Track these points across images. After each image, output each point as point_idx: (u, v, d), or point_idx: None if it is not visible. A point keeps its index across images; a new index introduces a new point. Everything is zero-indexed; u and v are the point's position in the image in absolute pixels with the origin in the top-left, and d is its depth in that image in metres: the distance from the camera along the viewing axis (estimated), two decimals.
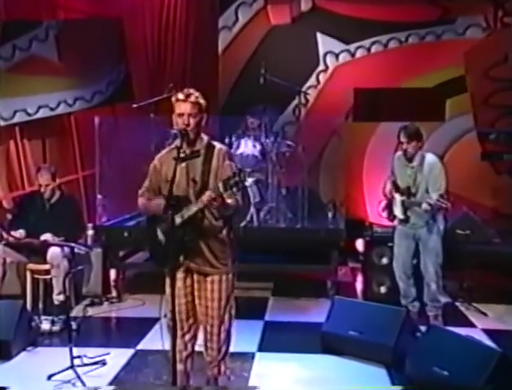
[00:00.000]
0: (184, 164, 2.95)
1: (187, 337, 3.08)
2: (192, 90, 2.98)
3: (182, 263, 2.99)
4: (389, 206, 4.41)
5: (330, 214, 5.78)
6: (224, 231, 3.04)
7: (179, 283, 3.00)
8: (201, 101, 2.98)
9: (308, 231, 5.36)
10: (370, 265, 5.20)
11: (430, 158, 4.26)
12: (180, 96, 2.94)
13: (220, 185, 2.73)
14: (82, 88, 6.34)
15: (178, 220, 2.88)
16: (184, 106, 2.92)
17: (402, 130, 4.24)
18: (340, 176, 5.85)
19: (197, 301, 3.08)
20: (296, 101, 6.00)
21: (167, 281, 3.03)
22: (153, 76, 6.92)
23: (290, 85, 5.65)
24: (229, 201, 2.87)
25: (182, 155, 2.94)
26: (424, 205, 4.06)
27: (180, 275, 3.01)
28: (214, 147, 3.01)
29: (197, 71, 6.85)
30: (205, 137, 3.04)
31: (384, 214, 4.47)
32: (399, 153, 4.37)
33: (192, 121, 2.92)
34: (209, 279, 3.03)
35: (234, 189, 2.73)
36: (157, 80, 6.77)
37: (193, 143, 2.98)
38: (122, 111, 6.47)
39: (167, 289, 3.02)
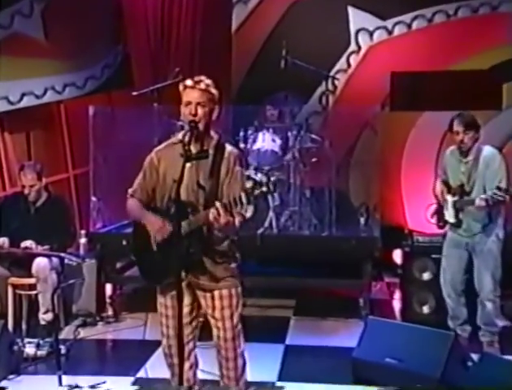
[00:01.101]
0: (189, 164, 2.95)
1: (187, 365, 3.09)
2: (203, 77, 2.99)
3: (183, 278, 2.99)
4: (440, 211, 4.36)
5: (362, 220, 5.76)
6: (227, 241, 3.08)
7: (175, 302, 2.97)
8: (213, 90, 2.98)
9: (336, 239, 5.36)
10: (411, 280, 5.15)
11: (487, 150, 4.17)
12: (188, 82, 2.95)
13: (243, 196, 2.76)
14: (73, 72, 6.40)
15: (184, 229, 2.90)
16: (192, 93, 2.93)
17: (457, 118, 4.17)
18: (374, 176, 5.82)
19: (211, 323, 3.11)
20: (322, 88, 5.99)
21: (161, 300, 3.07)
22: (156, 59, 6.95)
23: (316, 69, 5.65)
24: (237, 220, 2.90)
25: (188, 154, 2.92)
26: (478, 201, 3.99)
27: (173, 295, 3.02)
28: (224, 149, 3.03)
29: (208, 52, 6.87)
30: (215, 136, 3.05)
31: (434, 220, 4.42)
32: (452, 147, 4.31)
33: (200, 111, 2.92)
34: (216, 294, 3.06)
35: (240, 207, 2.78)
36: (160, 63, 6.81)
37: (200, 140, 2.98)
38: (120, 100, 6.52)
39: (160, 309, 3.07)
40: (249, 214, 2.99)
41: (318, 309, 5.35)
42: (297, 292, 5.68)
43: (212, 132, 3.04)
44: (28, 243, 4.74)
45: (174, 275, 2.83)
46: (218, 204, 2.79)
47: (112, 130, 5.82)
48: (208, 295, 3.06)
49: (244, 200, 2.76)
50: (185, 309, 3.05)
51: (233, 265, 3.09)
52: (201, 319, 3.20)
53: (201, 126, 2.95)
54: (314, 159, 5.74)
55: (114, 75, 6.79)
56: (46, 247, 4.77)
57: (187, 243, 2.89)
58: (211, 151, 2.99)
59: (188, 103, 2.94)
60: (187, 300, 3.06)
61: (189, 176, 2.97)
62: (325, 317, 5.22)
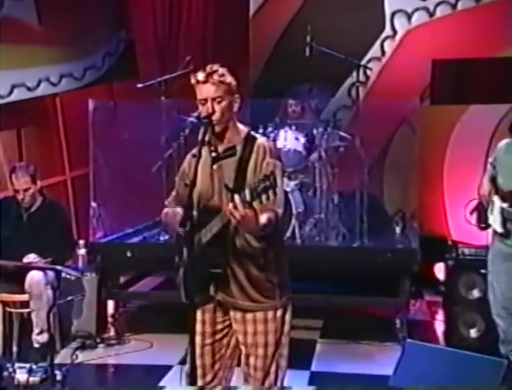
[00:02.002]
0: (215, 166, 2.94)
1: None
2: (215, 66, 2.94)
3: (213, 295, 2.97)
4: (482, 210, 4.28)
5: (398, 230, 5.75)
6: (270, 254, 2.98)
7: (205, 317, 3.01)
8: (229, 79, 2.93)
9: (368, 251, 5.35)
10: (455, 298, 5.11)
11: None
12: (200, 76, 2.90)
13: (247, 192, 2.65)
14: (70, 61, 6.48)
15: (204, 237, 2.88)
16: (206, 88, 2.88)
17: None
18: (412, 179, 5.81)
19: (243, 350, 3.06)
20: (352, 79, 5.99)
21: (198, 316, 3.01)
22: (163, 46, 7.01)
23: (345, 58, 5.65)
24: (265, 216, 2.79)
25: (214, 154, 2.94)
26: None
27: (207, 308, 3.02)
28: (254, 141, 2.97)
29: (222, 39, 6.91)
30: (243, 128, 3.02)
31: (473, 219, 4.35)
32: (507, 140, 4.21)
33: (217, 107, 2.89)
34: (249, 317, 3.00)
35: (263, 197, 2.63)
36: (169, 51, 6.87)
37: (224, 136, 2.96)
38: (123, 93, 6.59)
39: (197, 326, 2.99)
40: (278, 210, 2.85)
41: (349, 331, 5.34)
42: (323, 312, 5.68)
43: (240, 126, 3.01)
44: (31, 257, 4.77)
45: (200, 292, 2.84)
46: (236, 196, 2.70)
47: (115, 127, 5.88)
48: (239, 315, 3.01)
49: (247, 195, 2.65)
50: (217, 327, 3.04)
51: (274, 282, 2.99)
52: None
53: (220, 123, 2.93)
54: (341, 149, 5.72)
55: (117, 65, 6.86)
56: (44, 260, 4.81)
57: (209, 252, 2.87)
58: (239, 147, 2.96)
59: (204, 101, 2.90)
60: (219, 316, 3.04)
61: (217, 179, 2.96)
62: (356, 340, 5.20)
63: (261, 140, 3.00)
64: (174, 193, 3.19)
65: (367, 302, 5.49)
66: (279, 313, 3.03)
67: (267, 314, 3.00)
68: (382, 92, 6.92)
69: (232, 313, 3.03)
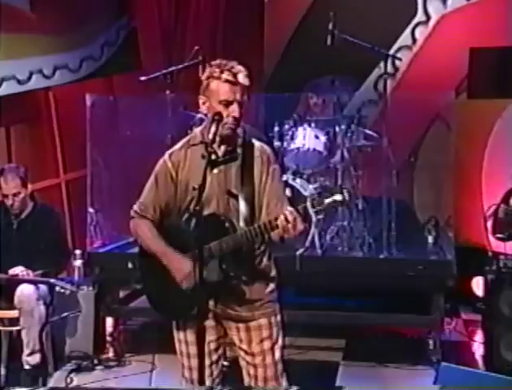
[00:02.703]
0: (216, 170, 3.00)
1: None
2: (238, 66, 3.01)
3: (210, 309, 3.04)
4: (506, 218, 4.27)
5: (431, 239, 5.73)
6: (265, 258, 3.12)
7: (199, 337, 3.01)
8: (248, 81, 3.03)
9: (397, 264, 5.35)
10: (497, 317, 5.08)
11: None
12: (226, 74, 2.97)
13: (308, 204, 2.80)
14: (65, 51, 6.51)
15: (220, 250, 2.95)
16: (234, 89, 2.97)
17: None
18: (447, 182, 5.81)
19: (242, 364, 3.14)
20: (379, 71, 5.99)
21: (180, 336, 3.10)
22: (169, 35, 7.03)
23: (371, 47, 5.65)
24: (301, 227, 2.93)
25: (213, 157, 2.96)
26: None
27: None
28: (253, 146, 3.09)
29: (233, 27, 6.92)
30: (239, 131, 3.09)
31: (489, 226, 4.34)
32: None
33: (242, 112, 3.00)
34: (253, 325, 3.10)
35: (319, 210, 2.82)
36: (175, 40, 6.89)
37: (227, 139, 3.03)
38: (124, 86, 6.63)
39: (180, 348, 3.10)
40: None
41: (375, 353, 5.32)
42: (346, 331, 5.67)
43: (238, 129, 3.08)
44: (17, 270, 4.80)
45: (199, 305, 2.86)
46: (289, 209, 2.87)
47: (115, 124, 5.93)
48: (242, 326, 3.10)
49: (310, 210, 2.81)
50: (212, 346, 3.10)
51: (272, 286, 3.14)
52: (225, 363, 3.23)
53: (239, 126, 3.04)
54: (366, 149, 5.73)
55: (117, 56, 6.88)
56: (36, 272, 4.84)
57: (225, 266, 2.96)
58: (239, 151, 3.05)
59: (228, 103, 2.97)
60: (213, 334, 3.11)
61: (217, 185, 3.02)
62: (383, 363, 5.19)
63: (259, 144, 3.14)
64: (148, 199, 3.14)
65: (396, 320, 5.47)
66: (279, 317, 3.18)
67: (271, 318, 3.14)
68: (413, 85, 6.90)
69: (232, 324, 3.12)
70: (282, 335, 3.19)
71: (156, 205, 3.12)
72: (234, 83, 2.97)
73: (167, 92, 5.57)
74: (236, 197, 3.01)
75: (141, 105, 5.78)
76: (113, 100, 6.20)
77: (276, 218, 2.88)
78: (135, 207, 3.19)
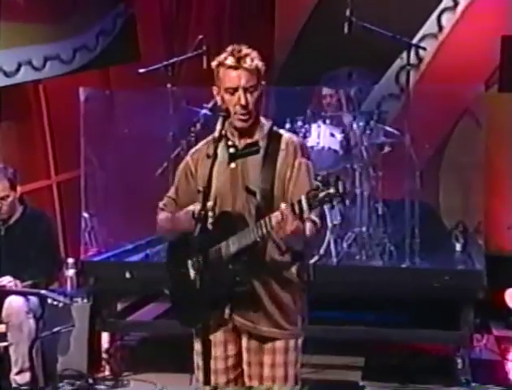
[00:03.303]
0: (233, 164, 3.02)
1: None
2: (245, 48, 3.02)
3: (227, 319, 3.04)
4: None
5: (458, 247, 5.76)
6: (293, 270, 3.08)
7: (216, 352, 3.05)
8: (261, 63, 3.03)
9: (422, 274, 5.36)
10: None
11: None
12: (230, 60, 2.99)
13: (303, 200, 2.76)
14: (57, 41, 6.52)
15: (227, 250, 2.95)
16: (237, 75, 2.97)
17: None
18: (476, 183, 5.82)
19: (246, 380, 3.13)
20: (401, 62, 6.00)
21: (198, 348, 3.04)
22: (170, 23, 7.06)
23: (392, 35, 5.66)
24: (308, 226, 2.92)
25: (232, 150, 2.99)
26: None
27: (218, 337, 3.05)
28: (280, 137, 3.08)
29: (241, 14, 6.95)
30: (265, 122, 3.11)
31: None
32: None
33: (251, 99, 2.98)
34: (268, 346, 3.07)
35: (323, 207, 2.80)
36: (177, 28, 6.91)
37: (247, 131, 3.05)
38: (121, 79, 6.66)
39: (198, 362, 3.05)
40: (318, 222, 2.97)
41: (397, 372, 5.33)
42: (366, 348, 5.68)
43: (262, 119, 3.10)
44: (5, 280, 4.83)
45: (217, 314, 2.91)
46: (283, 205, 2.82)
47: (111, 121, 5.97)
48: (256, 344, 3.07)
49: (304, 205, 2.77)
50: (230, 361, 3.10)
51: (297, 305, 3.10)
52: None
53: (253, 117, 3.01)
54: (386, 148, 5.76)
55: (114, 46, 6.89)
56: (25, 283, 4.87)
57: (232, 268, 2.95)
58: (262, 143, 3.05)
59: (233, 90, 2.98)
60: (232, 349, 3.10)
61: (234, 180, 3.03)
62: (406, 383, 5.19)
63: (288, 135, 3.13)
64: (172, 196, 3.22)
65: (420, 336, 5.47)
66: (299, 342, 3.12)
67: (289, 342, 3.08)
68: (438, 77, 6.92)
69: (245, 341, 3.09)
70: (299, 360, 3.13)
71: (178, 201, 3.18)
72: (236, 67, 2.97)
73: (169, 85, 5.59)
74: (254, 195, 3.00)
75: (139, 99, 5.79)
76: (109, 94, 6.23)
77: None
78: (160, 204, 3.27)
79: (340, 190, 2.73)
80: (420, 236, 5.48)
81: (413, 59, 5.94)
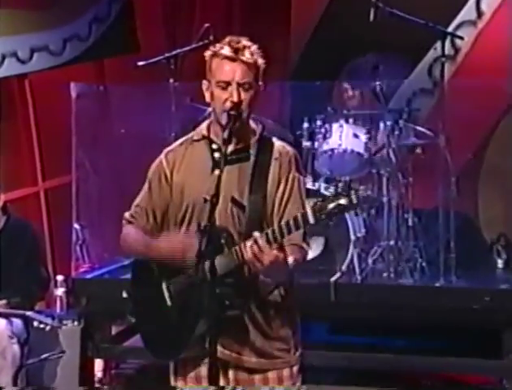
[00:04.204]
0: (217, 171, 2.98)
1: None
2: (245, 40, 3.05)
3: (209, 351, 2.98)
4: None
5: (500, 263, 5.78)
6: (279, 291, 3.09)
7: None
8: (261, 60, 3.05)
9: (458, 294, 5.38)
10: None
11: None
12: (226, 50, 3.01)
13: (309, 212, 2.79)
14: (44, 29, 6.59)
15: (212, 272, 2.90)
16: (233, 68, 2.99)
17: None
18: None
19: None
20: (435, 53, 6.01)
21: (178, 384, 3.11)
22: (172, 9, 7.08)
23: (425, 23, 5.67)
24: (292, 257, 2.89)
25: (217, 155, 3.00)
26: None
27: (202, 372, 3.04)
28: (272, 145, 3.10)
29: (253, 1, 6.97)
30: (256, 127, 3.12)
31: None
32: None
33: (245, 96, 3.00)
34: (259, 377, 3.08)
35: (296, 232, 2.81)
36: (180, 16, 6.94)
37: (236, 135, 3.04)
38: (117, 73, 6.69)
39: None
40: (313, 251, 3.02)
41: None
42: (395, 378, 5.64)
43: (252, 123, 3.12)
44: None
45: (199, 345, 2.88)
46: (256, 234, 2.83)
47: (106, 120, 6.04)
48: (244, 375, 3.08)
49: (310, 218, 2.79)
50: None
51: (288, 330, 3.11)
52: None
53: (244, 117, 3.02)
54: (418, 151, 5.77)
55: (109, 35, 6.91)
56: (3, 302, 4.94)
57: (218, 292, 2.91)
58: (252, 150, 3.07)
59: (226, 84, 2.99)
60: (222, 383, 3.07)
61: (217, 189, 2.97)
62: None
63: (280, 144, 3.14)
64: (142, 205, 3.17)
65: (457, 366, 5.47)
66: (295, 370, 3.12)
67: (282, 373, 3.09)
68: (477, 69, 6.91)
69: (232, 374, 3.09)
70: None
71: (149, 211, 3.16)
72: (233, 59, 2.99)
73: (171, 80, 5.64)
74: (240, 207, 3.02)
75: (138, 96, 5.86)
76: (104, 90, 6.27)
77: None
78: (126, 214, 3.23)
79: (354, 200, 2.74)
80: (456, 250, 5.49)
81: (448, 50, 5.92)
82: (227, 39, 3.05)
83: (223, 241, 2.97)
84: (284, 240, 2.90)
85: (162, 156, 3.19)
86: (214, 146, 3.04)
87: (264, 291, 3.06)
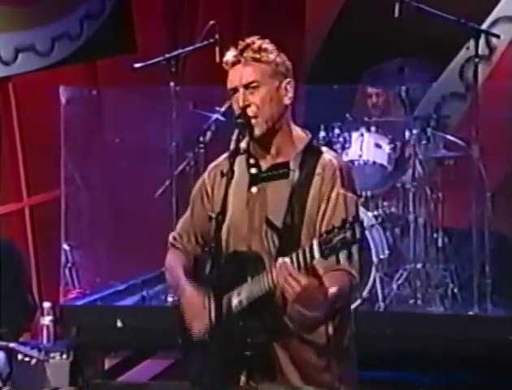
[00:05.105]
0: (254, 189, 3.03)
1: None
2: (252, 38, 3.05)
3: (243, 387, 3.04)
4: None
5: None
6: (329, 328, 3.06)
7: None
8: (272, 55, 3.04)
9: (494, 323, 5.40)
10: None
11: None
12: (228, 55, 3.05)
13: (315, 246, 2.75)
14: (30, 28, 6.62)
15: (235, 301, 2.96)
16: (237, 71, 3.02)
17: None
18: None
19: None
20: (467, 53, 6.02)
21: None
22: (174, 6, 7.10)
23: (456, 19, 5.68)
24: (335, 287, 2.84)
25: (254, 171, 3.02)
26: None
27: None
28: (318, 157, 3.07)
29: None
30: (301, 135, 3.12)
31: None
32: None
33: (253, 98, 3.01)
34: None
35: (340, 254, 2.74)
36: (182, 12, 6.97)
37: (271, 145, 3.05)
38: (112, 76, 6.70)
39: None
40: (355, 273, 2.92)
41: None
42: None
43: (297, 130, 3.12)
44: None
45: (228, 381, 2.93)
46: (284, 259, 2.80)
47: (99, 128, 6.06)
48: None
49: (316, 253, 2.75)
50: None
51: (333, 376, 3.08)
52: None
53: (264, 121, 3.01)
54: (448, 163, 5.78)
55: (102, 33, 6.92)
56: None
57: (243, 325, 2.96)
58: (294, 164, 3.05)
59: (234, 91, 3.02)
60: None
61: (252, 209, 3.04)
62: None
63: (329, 155, 3.09)
64: (185, 225, 3.23)
65: None
66: None
67: None
68: None
69: None
70: None
71: (191, 232, 3.20)
72: (236, 62, 3.02)
73: (172, 84, 5.63)
74: (276, 229, 3.02)
75: (134, 102, 5.89)
76: (97, 95, 6.29)
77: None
78: (170, 236, 3.28)
79: (357, 235, 2.69)
80: (492, 274, 5.50)
81: (482, 49, 5.91)
82: (240, 43, 3.06)
83: (251, 269, 2.97)
84: (325, 265, 2.83)
85: (205, 175, 3.21)
86: (252, 161, 3.04)
87: (307, 326, 3.03)
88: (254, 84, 3.01)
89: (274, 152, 3.06)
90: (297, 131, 3.11)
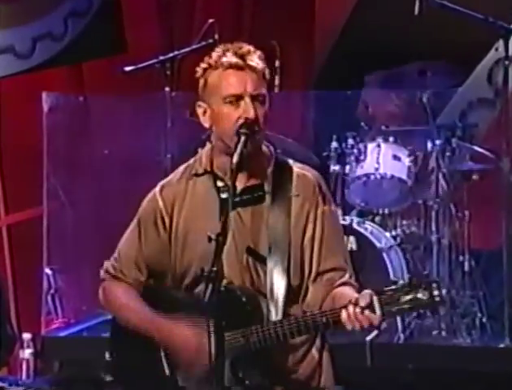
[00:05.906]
0: (230, 215, 2.97)
1: None
2: (247, 46, 3.09)
3: None
4: None
5: None
6: (314, 352, 3.13)
7: None
8: (267, 70, 3.10)
9: None
10: None
11: None
12: (229, 57, 3.05)
13: (376, 303, 2.79)
14: (9, 27, 6.65)
15: (231, 352, 2.95)
16: (242, 77, 3.04)
17: None
18: None
19: None
20: (496, 55, 6.02)
21: None
22: (167, 3, 7.13)
23: (483, 18, 5.70)
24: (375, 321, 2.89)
25: (224, 196, 3.00)
26: None
27: None
28: (289, 174, 3.11)
29: None
30: (267, 150, 3.15)
31: None
32: None
33: (261, 111, 3.03)
34: None
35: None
36: (177, 10, 7.01)
37: (247, 167, 3.05)
38: (99, 80, 6.71)
39: None
40: None
41: None
42: None
43: (263, 146, 3.15)
44: None
45: None
46: (376, 299, 2.85)
47: (86, 139, 6.05)
48: None
49: (378, 310, 2.80)
50: None
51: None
52: None
53: (260, 139, 3.07)
54: (475, 177, 5.78)
55: (89, 33, 6.95)
56: None
57: (235, 364, 2.98)
58: (267, 186, 3.09)
59: (237, 98, 3.03)
60: None
61: (231, 237, 3.01)
62: None
63: (299, 170, 3.14)
64: (131, 246, 3.20)
65: None
66: None
67: None
68: None
69: None
70: None
71: (140, 262, 3.18)
72: (241, 67, 3.03)
73: (166, 89, 5.68)
74: (260, 259, 3.04)
75: (125, 109, 5.91)
76: (83, 101, 6.31)
77: (344, 307, 2.87)
78: (106, 265, 3.25)
79: (436, 298, 2.74)
80: None
81: None
82: (223, 47, 3.09)
83: (249, 307, 3.01)
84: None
85: (156, 191, 3.20)
86: (220, 184, 3.06)
87: (296, 354, 3.11)
88: (261, 98, 3.06)
89: (246, 171, 3.06)
90: (265, 146, 3.16)
